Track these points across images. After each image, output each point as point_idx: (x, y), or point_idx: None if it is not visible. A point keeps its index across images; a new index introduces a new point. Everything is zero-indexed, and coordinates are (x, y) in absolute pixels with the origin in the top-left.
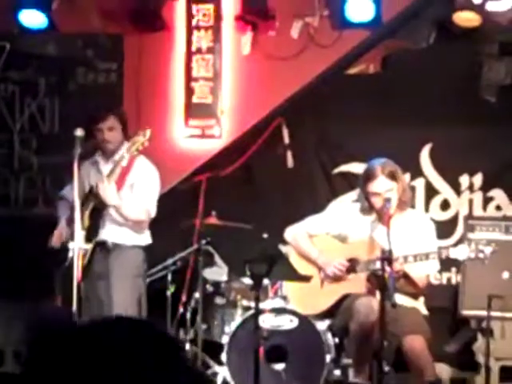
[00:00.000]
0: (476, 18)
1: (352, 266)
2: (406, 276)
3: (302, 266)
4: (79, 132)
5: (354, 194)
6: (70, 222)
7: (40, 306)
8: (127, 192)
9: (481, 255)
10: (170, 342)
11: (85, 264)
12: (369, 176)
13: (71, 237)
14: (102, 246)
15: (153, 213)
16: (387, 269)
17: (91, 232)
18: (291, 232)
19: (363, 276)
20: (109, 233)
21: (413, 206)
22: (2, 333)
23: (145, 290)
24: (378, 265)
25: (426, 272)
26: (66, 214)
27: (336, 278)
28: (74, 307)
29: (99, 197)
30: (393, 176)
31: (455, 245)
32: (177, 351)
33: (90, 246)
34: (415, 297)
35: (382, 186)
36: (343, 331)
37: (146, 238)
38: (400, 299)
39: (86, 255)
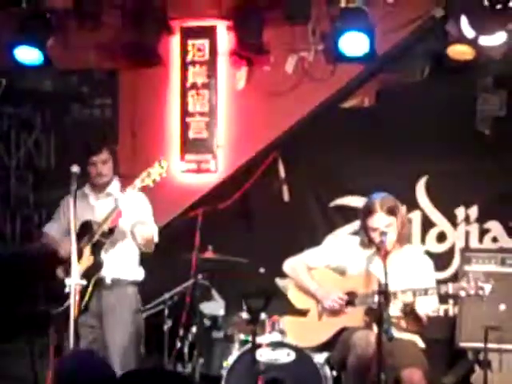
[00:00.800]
0: (470, 51)
1: (350, 299)
2: (412, 311)
3: (300, 299)
4: (75, 168)
5: (350, 227)
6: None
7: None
8: (126, 222)
9: (480, 292)
10: None
11: (86, 301)
12: (368, 211)
13: (67, 273)
14: (99, 282)
15: (156, 234)
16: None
17: (91, 269)
18: (290, 264)
19: (361, 309)
20: (108, 269)
21: (409, 239)
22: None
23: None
24: (376, 298)
25: (426, 311)
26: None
27: (334, 312)
28: (71, 343)
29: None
30: (392, 211)
31: (452, 277)
32: None
33: (86, 282)
34: (413, 331)
35: (380, 221)
36: (341, 364)
37: (141, 273)
38: (397, 333)
39: (87, 291)
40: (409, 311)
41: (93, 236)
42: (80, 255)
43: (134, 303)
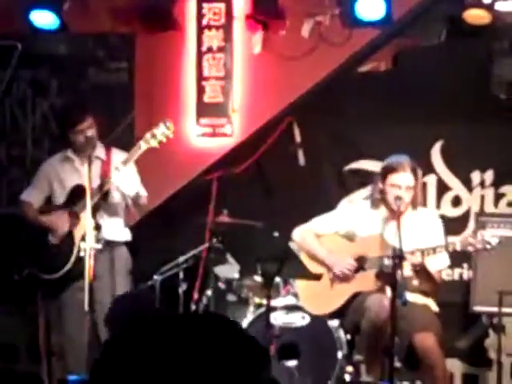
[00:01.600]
0: (486, 15)
1: (360, 264)
2: (424, 270)
3: (310, 267)
4: (90, 133)
5: (365, 192)
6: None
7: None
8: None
9: (488, 246)
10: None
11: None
12: (393, 169)
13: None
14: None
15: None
16: (403, 265)
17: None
18: (298, 232)
19: (372, 274)
20: (103, 231)
21: (424, 203)
22: (16, 330)
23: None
24: (386, 261)
25: (438, 267)
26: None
27: (345, 278)
28: (86, 306)
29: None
30: (415, 173)
31: None
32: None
33: (100, 246)
34: (426, 294)
35: (405, 180)
36: (354, 329)
37: (128, 234)
38: (411, 297)
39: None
40: (420, 270)
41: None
42: (78, 220)
43: (129, 264)
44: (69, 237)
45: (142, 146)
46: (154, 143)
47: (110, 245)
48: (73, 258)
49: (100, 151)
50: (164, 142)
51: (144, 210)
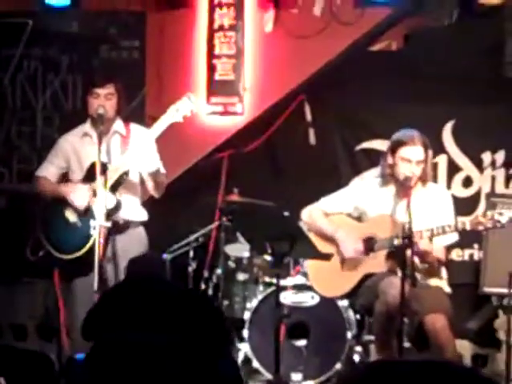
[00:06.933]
0: None
1: (370, 245)
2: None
3: (320, 247)
4: (101, 110)
5: (376, 171)
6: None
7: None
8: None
9: (498, 225)
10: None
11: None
12: (405, 142)
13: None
14: (115, 225)
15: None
16: (412, 249)
17: (110, 210)
18: (307, 211)
19: (383, 255)
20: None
21: (435, 182)
22: (25, 308)
23: None
24: (396, 242)
25: (445, 243)
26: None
27: (355, 260)
28: (96, 286)
29: (125, 171)
30: (425, 147)
31: None
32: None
33: (111, 224)
34: (438, 276)
35: (416, 153)
36: (366, 310)
37: (145, 214)
38: (421, 276)
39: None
40: (429, 254)
41: (110, 176)
42: (96, 197)
43: (144, 247)
44: (86, 214)
45: (166, 120)
46: (178, 118)
47: (127, 224)
48: (92, 240)
49: (119, 126)
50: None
51: (162, 188)
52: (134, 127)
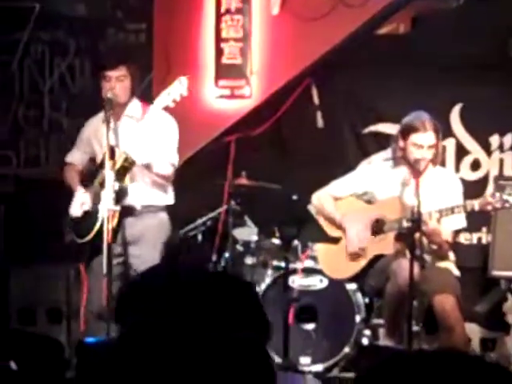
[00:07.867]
0: None
1: (379, 226)
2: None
3: (328, 231)
4: (110, 94)
5: (384, 154)
6: (86, 187)
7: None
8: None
9: (507, 205)
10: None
11: (114, 227)
12: (417, 128)
13: (95, 200)
14: (129, 210)
15: (176, 164)
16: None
17: (119, 195)
18: (317, 196)
19: (391, 236)
20: (136, 195)
21: (443, 165)
22: (34, 292)
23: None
24: (405, 224)
25: (453, 228)
26: (77, 181)
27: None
28: (105, 269)
29: (127, 157)
30: (437, 131)
31: None
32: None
33: (119, 208)
34: (447, 258)
35: (427, 139)
36: (376, 293)
37: (171, 197)
38: (430, 257)
39: (115, 218)
40: (438, 234)
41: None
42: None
43: (165, 232)
44: (98, 200)
45: (158, 104)
46: (168, 102)
47: (144, 210)
48: (99, 223)
49: (133, 109)
50: (179, 102)
51: (165, 178)
52: (152, 111)
